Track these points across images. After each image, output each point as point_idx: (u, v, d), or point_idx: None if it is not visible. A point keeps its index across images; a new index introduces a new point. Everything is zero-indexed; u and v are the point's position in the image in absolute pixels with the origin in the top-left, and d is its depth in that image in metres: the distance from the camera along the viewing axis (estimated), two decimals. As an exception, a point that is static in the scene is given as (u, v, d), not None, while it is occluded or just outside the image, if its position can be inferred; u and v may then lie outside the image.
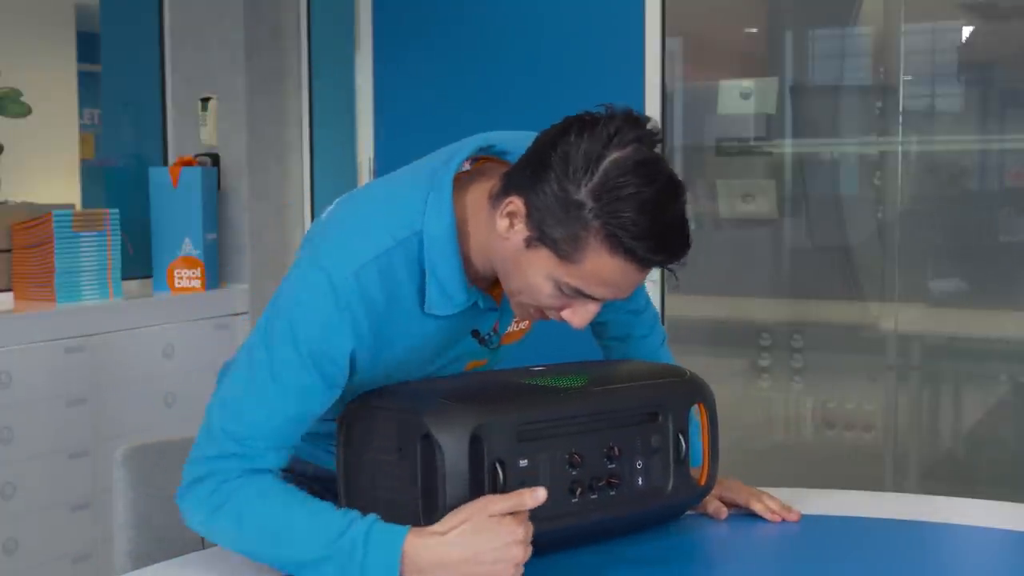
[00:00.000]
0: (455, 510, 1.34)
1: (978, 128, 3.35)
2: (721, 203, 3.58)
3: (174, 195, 3.48)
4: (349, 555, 1.33)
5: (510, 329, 1.61)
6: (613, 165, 1.32)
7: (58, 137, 3.85)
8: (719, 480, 1.66)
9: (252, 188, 3.70)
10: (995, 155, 3.34)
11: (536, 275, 1.39)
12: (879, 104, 3.38)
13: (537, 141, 1.40)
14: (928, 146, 3.37)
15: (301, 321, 1.39)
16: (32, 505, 2.89)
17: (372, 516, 1.36)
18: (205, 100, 3.72)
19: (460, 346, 1.54)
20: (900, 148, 3.32)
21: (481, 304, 1.49)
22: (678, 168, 3.51)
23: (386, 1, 3.75)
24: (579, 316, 1.41)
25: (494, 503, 1.34)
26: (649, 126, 1.37)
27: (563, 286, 1.38)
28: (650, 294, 3.34)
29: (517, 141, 1.48)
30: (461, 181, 1.46)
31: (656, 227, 1.33)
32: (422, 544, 1.32)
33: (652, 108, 3.33)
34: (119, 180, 3.90)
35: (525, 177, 1.37)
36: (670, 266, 1.39)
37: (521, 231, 1.37)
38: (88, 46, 3.91)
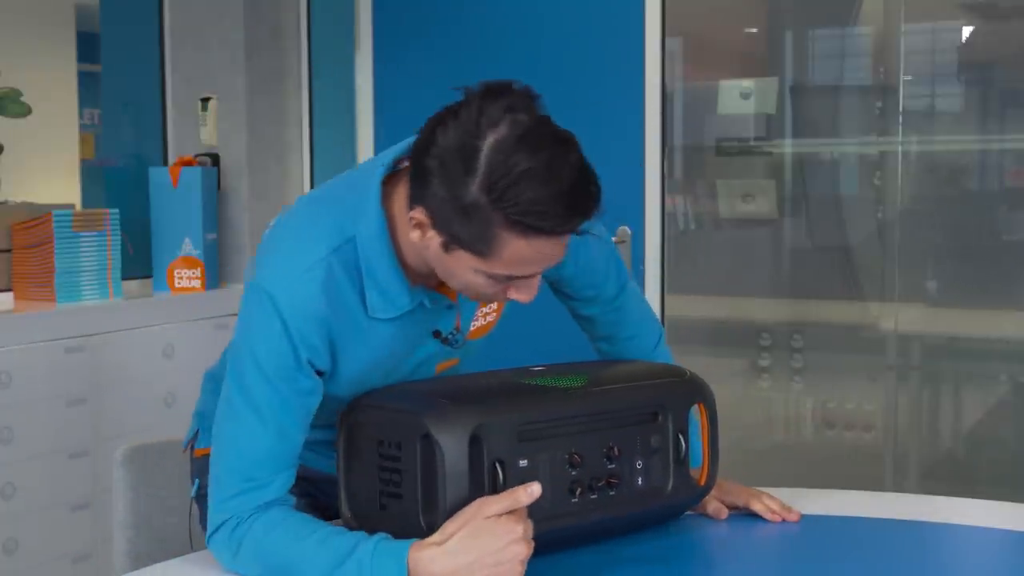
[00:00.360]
0: (451, 518, 1.34)
1: (978, 128, 3.35)
2: (721, 203, 3.58)
3: (174, 195, 3.48)
4: None
5: (476, 324, 1.60)
6: (492, 151, 1.29)
7: (58, 137, 3.85)
8: (718, 483, 1.66)
9: (252, 188, 3.70)
10: (995, 155, 3.34)
11: (465, 273, 1.39)
12: (879, 104, 3.38)
13: (413, 150, 1.37)
14: (928, 146, 3.37)
15: (258, 346, 1.42)
16: (32, 505, 2.89)
17: (378, 536, 1.36)
18: (205, 100, 3.72)
19: (424, 349, 1.54)
20: (900, 148, 3.32)
21: (428, 304, 1.48)
22: (678, 168, 3.51)
23: (386, 1, 3.75)
24: (523, 293, 1.41)
25: (489, 504, 1.33)
26: (514, 87, 1.34)
27: (494, 276, 1.37)
28: (650, 294, 3.33)
29: None
30: (394, 182, 1.44)
31: (558, 197, 1.29)
32: (425, 557, 1.32)
33: (652, 108, 3.33)
34: (119, 180, 3.90)
35: (418, 188, 1.35)
36: (589, 221, 1.35)
37: (434, 237, 1.36)
38: (88, 46, 3.91)
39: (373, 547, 1.34)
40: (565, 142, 1.32)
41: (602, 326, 1.79)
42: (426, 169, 1.32)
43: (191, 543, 1.78)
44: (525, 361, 1.65)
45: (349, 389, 1.49)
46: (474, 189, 1.29)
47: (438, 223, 1.34)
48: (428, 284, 1.48)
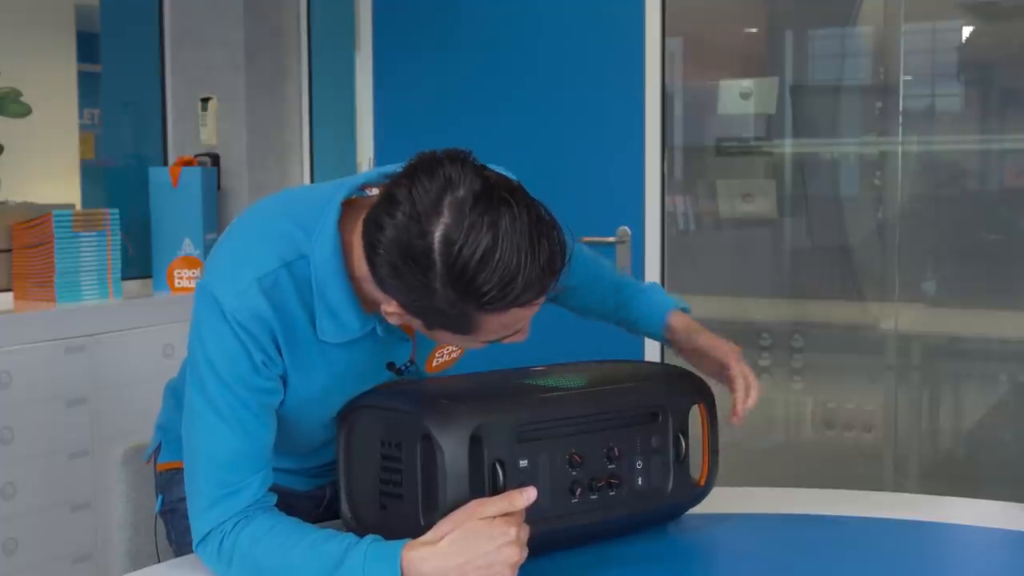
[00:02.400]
0: (445, 518, 1.33)
1: (978, 128, 3.35)
2: (721, 203, 3.58)
3: (174, 195, 3.48)
4: None
5: (440, 361, 1.59)
6: (442, 245, 1.23)
7: (58, 137, 3.85)
8: (713, 345, 1.68)
9: (252, 188, 3.70)
10: (995, 155, 3.34)
11: (452, 341, 1.39)
12: (879, 104, 3.38)
13: (364, 240, 1.31)
14: (928, 146, 3.37)
15: (212, 352, 1.39)
16: (32, 505, 2.89)
17: (369, 538, 1.34)
18: (205, 100, 3.72)
19: (372, 375, 1.52)
20: (900, 148, 3.32)
21: (380, 332, 1.46)
22: (678, 168, 3.51)
23: (386, 1, 3.75)
24: (515, 339, 1.40)
25: (484, 506, 1.32)
26: (442, 158, 1.27)
27: (481, 342, 1.37)
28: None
29: None
30: (356, 207, 1.41)
31: (523, 268, 1.24)
32: (417, 556, 1.31)
33: (652, 108, 3.33)
34: (119, 180, 3.90)
35: (379, 280, 1.32)
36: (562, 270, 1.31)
37: (413, 320, 1.35)
38: (88, 46, 3.91)
39: (364, 551, 1.32)
40: (511, 201, 1.25)
41: (603, 304, 1.81)
42: (380, 267, 1.29)
43: (158, 557, 1.77)
44: (525, 361, 1.65)
45: (296, 413, 1.47)
46: (438, 287, 1.25)
47: (414, 312, 1.33)
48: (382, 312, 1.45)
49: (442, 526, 1.32)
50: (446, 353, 1.60)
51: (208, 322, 1.40)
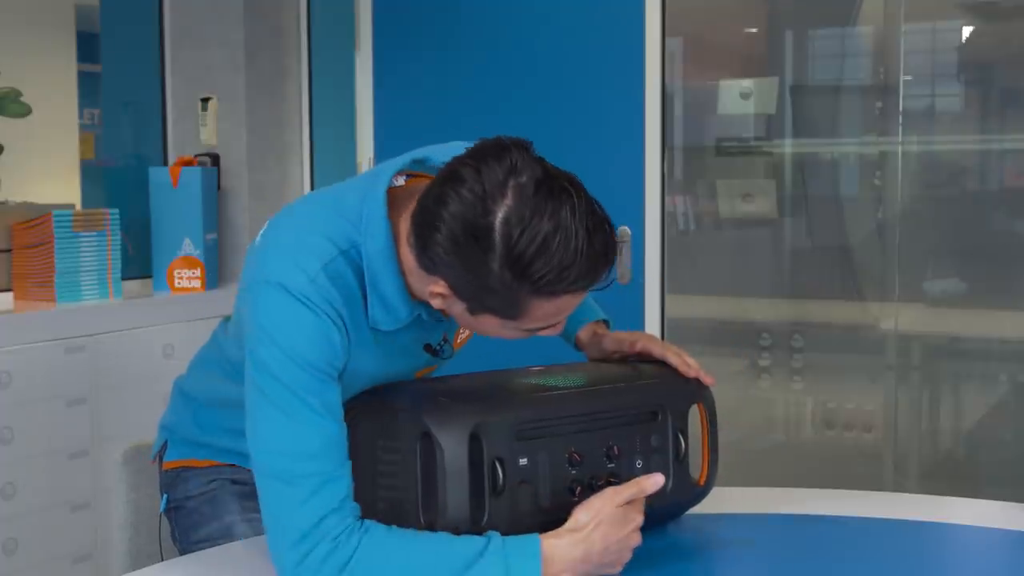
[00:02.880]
0: (584, 506, 1.39)
1: (978, 128, 3.35)
2: (721, 203, 3.58)
3: (174, 195, 3.48)
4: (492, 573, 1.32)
5: (463, 336, 1.61)
6: (504, 226, 1.26)
7: (58, 137, 3.85)
8: (637, 335, 1.68)
9: (252, 188, 3.70)
10: (995, 155, 3.34)
11: (492, 328, 1.40)
12: (879, 104, 3.38)
13: (416, 218, 1.33)
14: (928, 146, 3.37)
15: (288, 341, 1.36)
16: (32, 505, 2.89)
17: (494, 534, 1.35)
18: (205, 100, 3.72)
19: (413, 359, 1.54)
20: (900, 148, 3.32)
21: (425, 316, 1.48)
22: (678, 168, 3.51)
23: (386, 1, 3.75)
24: (552, 331, 1.42)
25: (619, 493, 1.40)
26: (508, 145, 1.31)
27: (524, 330, 1.39)
28: (650, 294, 3.32)
29: (449, 153, 1.41)
30: (397, 197, 1.43)
31: (580, 255, 1.28)
32: (564, 544, 1.36)
33: (652, 108, 3.33)
34: (119, 180, 3.90)
35: (430, 260, 1.33)
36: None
37: (458, 303, 1.36)
38: (88, 46, 3.91)
39: (503, 542, 1.34)
40: (571, 191, 1.30)
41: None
42: (437, 244, 1.30)
43: (161, 556, 1.77)
44: (525, 361, 1.65)
45: (344, 392, 1.47)
46: (495, 267, 1.28)
47: (461, 295, 1.34)
48: (425, 299, 1.46)
49: (580, 515, 1.38)
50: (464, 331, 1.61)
51: (278, 312, 1.37)
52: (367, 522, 1.36)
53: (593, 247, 1.29)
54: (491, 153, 1.30)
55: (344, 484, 1.36)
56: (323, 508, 1.34)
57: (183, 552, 1.70)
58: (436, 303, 1.39)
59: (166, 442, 1.77)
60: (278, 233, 1.46)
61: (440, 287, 1.35)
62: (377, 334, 1.45)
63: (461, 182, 1.29)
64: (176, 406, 1.77)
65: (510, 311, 1.34)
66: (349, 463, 1.39)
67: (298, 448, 1.35)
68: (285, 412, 1.36)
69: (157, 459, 1.78)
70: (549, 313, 1.35)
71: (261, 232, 1.50)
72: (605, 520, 1.38)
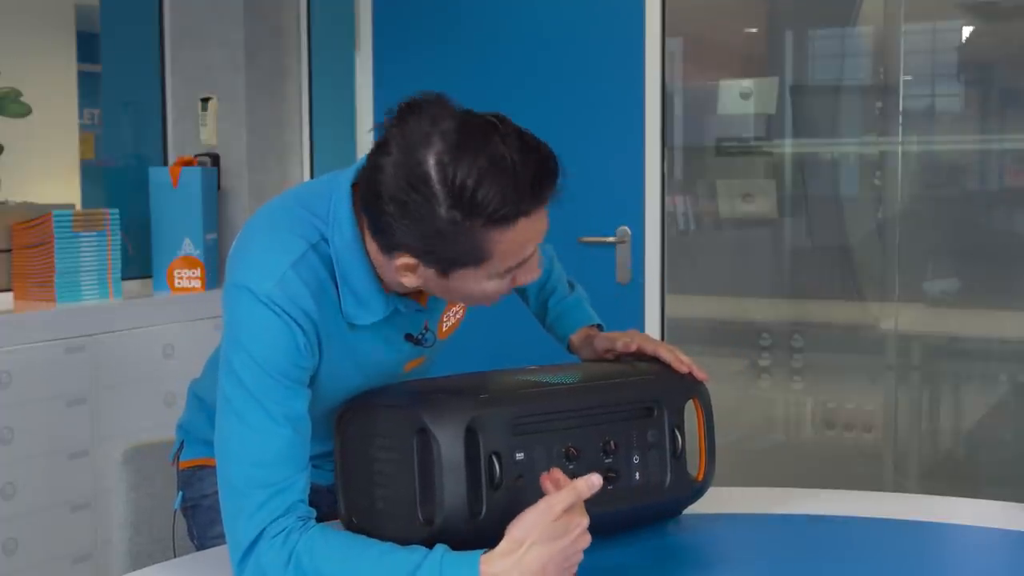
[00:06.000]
0: (517, 523, 1.31)
1: (978, 128, 3.35)
2: (721, 203, 3.58)
3: (174, 195, 3.48)
4: None
5: (448, 324, 1.60)
6: (438, 169, 1.28)
7: (58, 137, 3.85)
8: (628, 334, 1.68)
9: (252, 188, 3.70)
10: (995, 155, 3.34)
11: (471, 286, 1.39)
12: (879, 104, 3.38)
13: (364, 202, 1.35)
14: (928, 146, 3.37)
15: (254, 345, 1.37)
16: (32, 505, 2.89)
17: (440, 549, 1.31)
18: (205, 100, 3.72)
19: (396, 351, 1.53)
20: (900, 148, 3.32)
21: (402, 309, 1.48)
22: (678, 168, 3.51)
23: (386, 1, 3.75)
24: (529, 274, 1.42)
25: (556, 504, 1.31)
26: (422, 99, 1.33)
27: (498, 275, 1.38)
28: (650, 294, 3.34)
29: None
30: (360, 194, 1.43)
31: (521, 177, 1.30)
32: (499, 570, 1.28)
33: (652, 108, 3.33)
34: (119, 180, 3.90)
35: (388, 236, 1.34)
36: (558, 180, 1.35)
37: (427, 271, 1.36)
38: (88, 46, 3.91)
39: (441, 558, 1.29)
40: (496, 123, 1.32)
41: (541, 292, 1.84)
42: (387, 214, 1.31)
43: (174, 552, 1.78)
44: (524, 361, 1.65)
45: (323, 392, 1.47)
46: (443, 211, 1.29)
47: (425, 258, 1.34)
48: (399, 291, 1.47)
49: (516, 533, 1.30)
50: (452, 316, 1.61)
51: (246, 316, 1.38)
52: (311, 523, 1.37)
53: (530, 166, 1.30)
54: (408, 112, 1.32)
55: (296, 490, 1.37)
56: (268, 518, 1.36)
57: (200, 548, 1.72)
58: (408, 280, 1.38)
59: (183, 442, 1.78)
60: (249, 235, 1.46)
61: (404, 258, 1.35)
62: (353, 329, 1.45)
63: (388, 146, 1.31)
64: (191, 408, 1.79)
65: (476, 255, 1.33)
66: (307, 469, 1.40)
67: (253, 457, 1.37)
68: (243, 420, 1.37)
69: (175, 460, 1.80)
70: (515, 244, 1.34)
71: (236, 238, 1.50)
72: (540, 538, 1.29)
